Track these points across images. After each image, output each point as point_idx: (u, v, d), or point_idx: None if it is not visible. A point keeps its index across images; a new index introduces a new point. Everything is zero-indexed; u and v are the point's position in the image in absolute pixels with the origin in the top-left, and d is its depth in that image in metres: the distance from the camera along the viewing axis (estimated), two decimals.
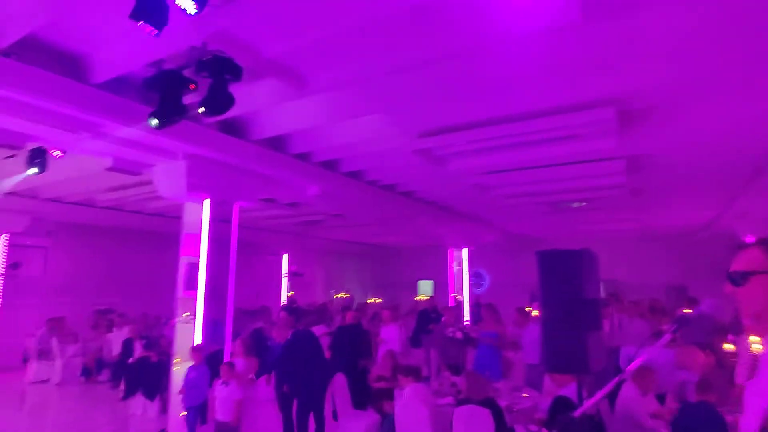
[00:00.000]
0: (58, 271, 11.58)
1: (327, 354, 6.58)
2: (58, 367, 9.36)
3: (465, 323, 11.25)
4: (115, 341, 9.33)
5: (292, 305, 13.75)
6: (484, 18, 3.51)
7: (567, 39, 3.72)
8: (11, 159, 6.24)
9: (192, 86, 4.19)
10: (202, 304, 6.19)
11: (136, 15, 2.97)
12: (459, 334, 7.15)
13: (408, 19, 3.61)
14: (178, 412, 5.73)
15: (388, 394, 5.42)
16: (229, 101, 4.09)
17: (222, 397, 5.14)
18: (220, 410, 5.13)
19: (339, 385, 5.86)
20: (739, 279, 1.37)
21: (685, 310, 8.41)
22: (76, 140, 5.42)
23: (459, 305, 13.63)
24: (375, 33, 3.81)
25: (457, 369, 6.68)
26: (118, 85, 4.63)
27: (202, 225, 6.36)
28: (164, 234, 10.76)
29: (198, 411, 5.61)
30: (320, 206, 10.16)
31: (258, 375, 6.89)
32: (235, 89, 4.17)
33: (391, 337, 7.65)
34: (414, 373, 5.12)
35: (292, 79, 4.50)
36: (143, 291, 12.22)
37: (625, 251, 15.88)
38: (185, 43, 3.84)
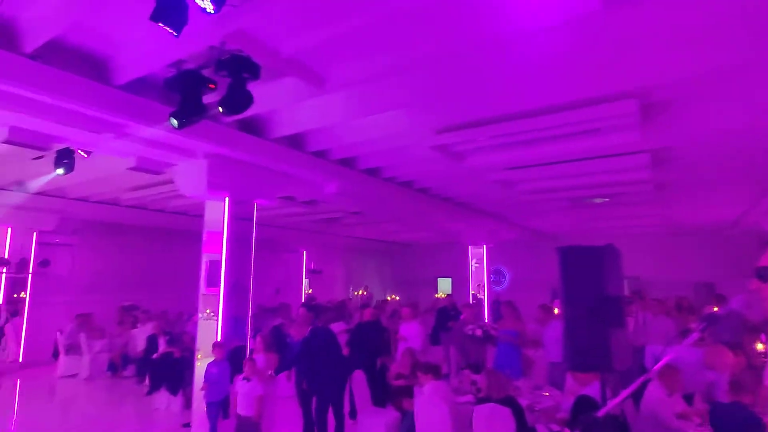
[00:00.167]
0: (85, 269, 11.91)
1: (345, 351, 6.60)
2: (86, 362, 9.63)
3: (485, 321, 11.16)
4: (139, 337, 9.55)
5: (311, 302, 13.85)
6: (503, 10, 3.46)
7: (588, 30, 3.64)
8: (40, 160, 6.43)
9: (211, 86, 4.24)
10: (224, 301, 6.28)
11: (156, 16, 3.01)
12: (479, 332, 7.08)
13: (426, 14, 3.58)
14: (201, 407, 5.83)
15: (408, 392, 5.41)
16: (247, 100, 4.13)
17: (244, 392, 5.21)
18: (242, 405, 5.19)
19: (358, 382, 5.87)
20: (767, 275, 1.31)
21: (713, 309, 8.19)
22: (100, 141, 5.55)
23: (478, 303, 13.53)
24: (392, 28, 3.79)
25: (477, 367, 6.63)
26: (140, 85, 4.71)
27: (223, 223, 6.45)
28: (186, 232, 10.96)
29: (220, 406, 5.70)
30: (338, 203, 10.20)
31: (278, 371, 6.97)
32: (253, 88, 4.20)
33: (411, 334, 7.62)
34: (433, 370, 5.10)
35: (311, 77, 4.50)
36: (167, 288, 12.48)
37: (650, 247, 15.50)
38: (204, 43, 3.88)
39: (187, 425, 6.35)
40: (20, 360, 10.38)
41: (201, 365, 5.98)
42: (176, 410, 7.28)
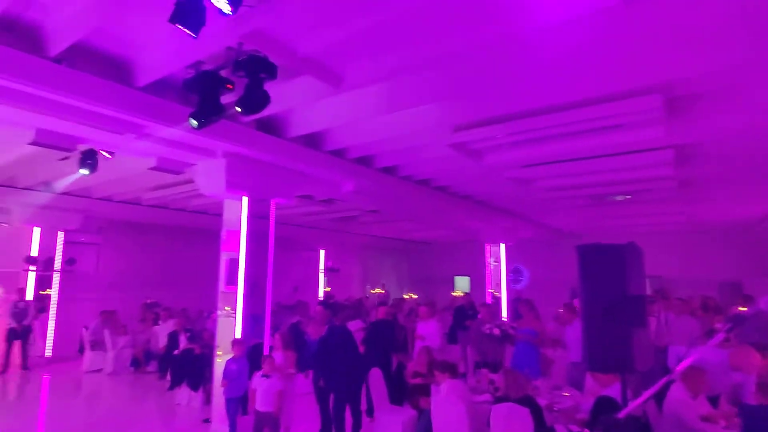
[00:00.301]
0: (108, 267, 12.19)
1: (360, 348, 6.62)
2: (110, 358, 9.86)
3: (503, 320, 11.06)
4: (161, 334, 9.74)
5: (328, 300, 13.93)
6: (522, 5, 3.41)
7: (609, 24, 3.56)
8: (65, 160, 6.60)
9: (229, 86, 4.30)
10: (242, 299, 6.36)
11: (175, 18, 3.07)
12: (497, 331, 7.02)
13: (444, 10, 3.55)
14: (221, 402, 5.92)
15: (425, 390, 5.40)
16: (264, 100, 4.16)
17: (264, 388, 5.26)
18: (262, 401, 5.24)
19: (375, 380, 5.89)
20: None
21: (739, 309, 7.95)
22: (122, 141, 5.67)
23: (496, 301, 13.41)
24: (409, 25, 3.78)
25: (494, 366, 6.58)
26: (160, 87, 4.80)
27: (241, 222, 6.52)
28: (206, 230, 11.13)
29: (239, 402, 5.77)
30: (355, 202, 10.22)
31: (298, 368, 7.03)
32: (271, 88, 4.24)
33: (429, 333, 7.59)
34: (450, 369, 5.07)
35: (327, 76, 4.52)
36: (187, 285, 12.69)
37: (673, 246, 15.14)
38: (222, 44, 3.93)
39: (207, 421, 6.46)
40: (48, 355, 10.70)
41: (220, 362, 6.06)
42: (197, 406, 7.40)
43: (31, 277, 10.65)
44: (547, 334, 7.19)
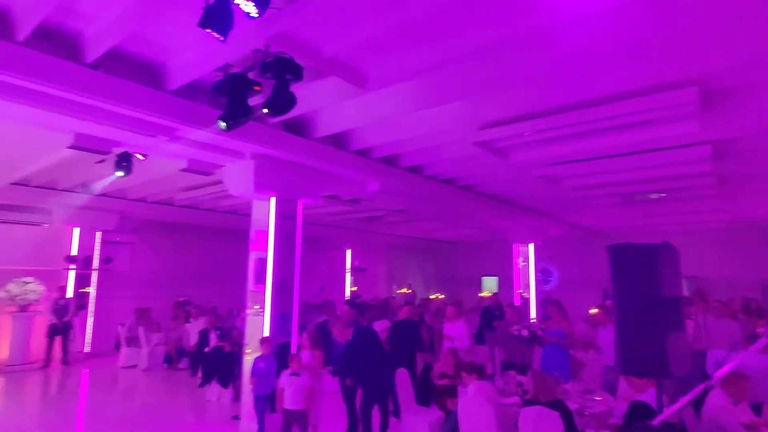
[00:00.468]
0: (142, 265, 12.60)
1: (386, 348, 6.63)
2: (144, 354, 10.18)
3: (532, 321, 10.87)
4: (192, 331, 9.98)
5: (355, 300, 14.00)
6: None
7: (641, 13, 3.44)
8: (102, 163, 6.84)
9: (257, 88, 4.36)
10: (271, 298, 6.45)
11: (204, 23, 3.13)
12: (525, 332, 6.89)
13: (468, 5, 3.51)
14: (250, 400, 6.02)
15: (452, 391, 5.35)
16: (290, 101, 4.21)
17: (293, 387, 5.31)
18: (291, 399, 5.29)
19: (402, 380, 5.87)
20: None
21: None
22: (155, 144, 5.83)
23: (525, 302, 13.19)
24: (433, 23, 3.75)
25: (522, 368, 6.47)
26: (190, 90, 4.92)
27: (269, 222, 6.62)
28: (236, 230, 11.36)
29: (267, 400, 5.85)
30: (381, 202, 10.23)
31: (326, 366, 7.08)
32: (297, 89, 4.28)
33: (457, 333, 7.52)
34: (478, 370, 5.01)
35: (352, 76, 4.54)
36: (217, 284, 12.99)
37: (711, 245, 14.56)
38: (249, 47, 3.99)
39: (237, 417, 6.58)
40: (87, 350, 11.14)
41: (249, 359, 6.17)
42: (227, 402, 7.56)
43: (71, 275, 11.10)
44: (576, 335, 7.02)
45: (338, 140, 6.75)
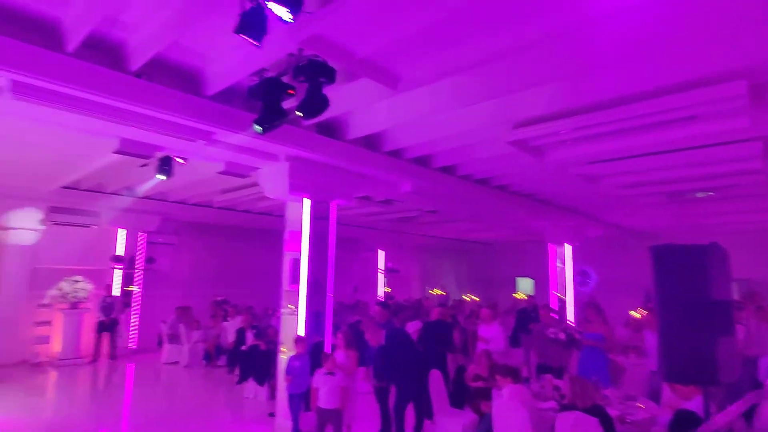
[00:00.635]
0: (183, 265, 13.06)
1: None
2: (185, 351, 10.54)
3: (569, 323, 10.57)
4: (230, 330, 10.26)
5: (388, 301, 14.02)
6: None
7: (685, 3, 3.29)
8: (145, 167, 7.13)
9: (291, 91, 4.44)
10: (305, 297, 6.55)
11: (240, 29, 3.22)
12: (562, 335, 6.71)
13: (502, 2, 3.45)
14: (285, 398, 6.12)
15: (486, 394, 5.27)
16: (323, 103, 4.26)
17: (328, 386, 5.36)
18: (325, 398, 5.34)
19: (435, 382, 5.83)
20: None
21: None
22: (194, 148, 6.03)
23: (562, 305, 12.85)
24: (466, 21, 3.70)
25: (559, 372, 6.30)
26: (227, 95, 5.06)
27: (303, 223, 6.72)
28: (271, 231, 11.58)
29: (301, 398, 5.94)
30: (414, 202, 10.21)
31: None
32: (330, 91, 4.33)
33: (493, 336, 7.41)
34: (513, 373, 4.92)
35: (384, 77, 4.54)
36: (254, 283, 13.29)
37: (763, 246, 13.74)
38: (283, 51, 4.07)
39: (272, 415, 6.71)
40: (132, 346, 11.65)
41: (284, 358, 6.28)
42: (263, 400, 7.72)
43: (117, 274, 11.63)
44: (616, 339, 6.78)
45: (371, 141, 6.78)
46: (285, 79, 4.39)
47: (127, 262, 11.80)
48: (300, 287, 6.59)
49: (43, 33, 3.97)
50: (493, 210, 10.86)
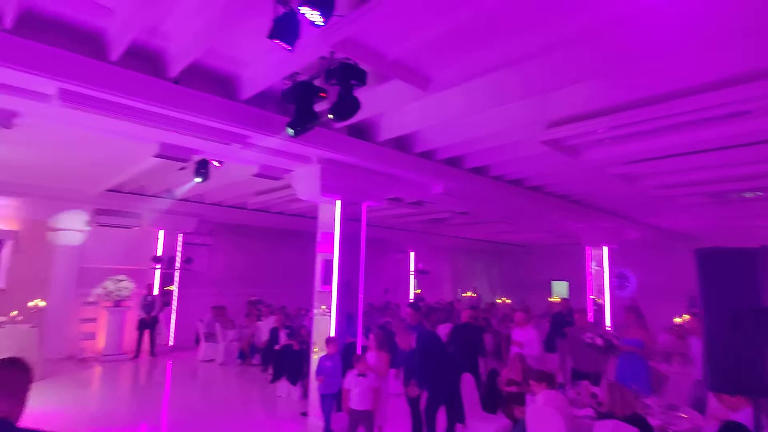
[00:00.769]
0: (218, 265, 13.43)
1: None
2: (220, 349, 10.81)
3: (606, 328, 10.25)
4: (264, 329, 10.46)
5: (419, 302, 13.96)
6: None
7: None
8: (183, 170, 7.36)
9: (322, 94, 4.49)
10: (336, 298, 6.60)
11: (273, 34, 3.28)
12: (599, 341, 6.50)
13: None
14: (316, 397, 6.18)
15: (519, 399, 5.17)
16: (355, 106, 4.29)
17: (360, 387, 5.38)
18: (357, 400, 5.36)
19: (467, 386, 5.76)
20: None
21: None
22: (229, 151, 6.18)
23: (599, 309, 12.47)
24: (498, 19, 3.64)
25: (596, 378, 6.11)
26: (260, 99, 5.16)
27: (335, 224, 6.78)
28: (304, 232, 11.76)
29: (333, 398, 5.98)
30: (445, 204, 10.14)
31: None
32: (361, 93, 4.35)
33: (528, 340, 7.25)
34: (547, 379, 4.80)
35: (415, 78, 4.53)
36: (287, 284, 13.52)
37: None
38: (315, 54, 4.12)
39: (305, 414, 6.79)
40: (171, 344, 12.05)
41: (316, 358, 6.34)
42: (296, 399, 7.82)
43: (157, 274, 12.06)
44: (657, 346, 6.51)
45: (402, 143, 6.77)
46: (317, 82, 4.44)
47: (166, 262, 12.22)
48: (332, 288, 6.65)
49: (89, 43, 4.17)
50: (527, 211, 10.64)
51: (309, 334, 7.49)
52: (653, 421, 4.28)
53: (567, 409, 4.62)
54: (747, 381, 2.70)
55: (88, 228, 10.72)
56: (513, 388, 5.62)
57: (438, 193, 8.08)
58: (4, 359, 1.91)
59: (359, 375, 5.42)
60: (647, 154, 6.61)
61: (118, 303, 10.77)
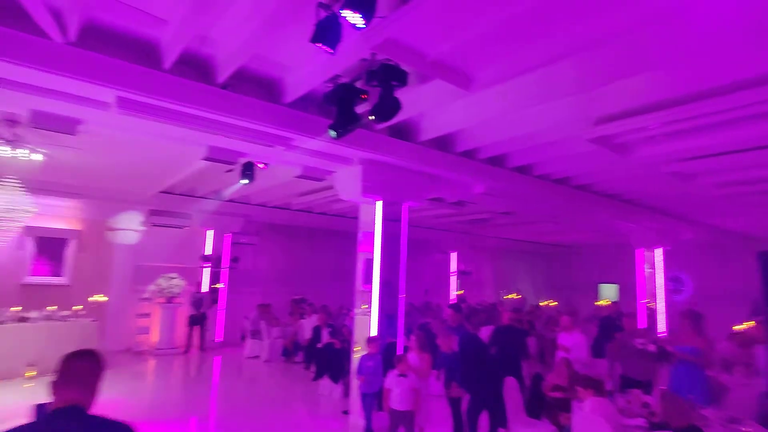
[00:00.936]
0: (263, 265, 13.83)
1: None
2: (265, 346, 11.11)
3: (660, 334, 9.75)
4: (306, 327, 10.66)
5: (461, 303, 13.81)
6: None
7: None
8: (229, 172, 7.63)
9: (364, 96, 4.53)
10: (377, 298, 6.64)
11: (315, 38, 3.34)
12: (652, 347, 6.18)
13: None
14: (357, 396, 6.24)
15: (565, 405, 5.01)
16: (396, 106, 4.30)
17: (401, 388, 5.38)
18: (398, 400, 5.35)
19: (510, 389, 5.64)
20: None
21: None
22: (273, 153, 6.35)
23: (651, 314, 11.89)
24: (541, 15, 3.55)
25: (647, 386, 5.82)
26: (303, 102, 5.27)
27: (375, 224, 6.82)
28: (346, 233, 11.92)
29: (374, 398, 6.01)
30: (487, 204, 9.98)
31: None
32: (401, 94, 4.35)
33: (575, 344, 7.00)
34: (595, 385, 4.62)
35: (457, 78, 4.49)
36: (329, 283, 13.73)
37: None
38: (356, 57, 4.16)
39: (346, 413, 6.86)
40: (219, 339, 12.52)
41: (357, 357, 6.40)
42: (337, 397, 7.92)
43: (206, 272, 12.56)
44: (716, 354, 6.11)
45: (443, 142, 6.72)
46: (358, 84, 4.49)
47: (214, 261, 12.71)
48: (372, 288, 6.69)
49: (144, 52, 4.40)
50: (574, 211, 10.31)
51: (350, 333, 7.56)
52: None
53: (616, 418, 4.43)
54: None
55: (143, 228, 11.31)
56: (558, 394, 5.45)
57: (480, 192, 7.96)
58: (77, 351, 1.98)
59: (400, 375, 5.42)
60: (704, 150, 6.25)
61: (170, 300, 11.29)
